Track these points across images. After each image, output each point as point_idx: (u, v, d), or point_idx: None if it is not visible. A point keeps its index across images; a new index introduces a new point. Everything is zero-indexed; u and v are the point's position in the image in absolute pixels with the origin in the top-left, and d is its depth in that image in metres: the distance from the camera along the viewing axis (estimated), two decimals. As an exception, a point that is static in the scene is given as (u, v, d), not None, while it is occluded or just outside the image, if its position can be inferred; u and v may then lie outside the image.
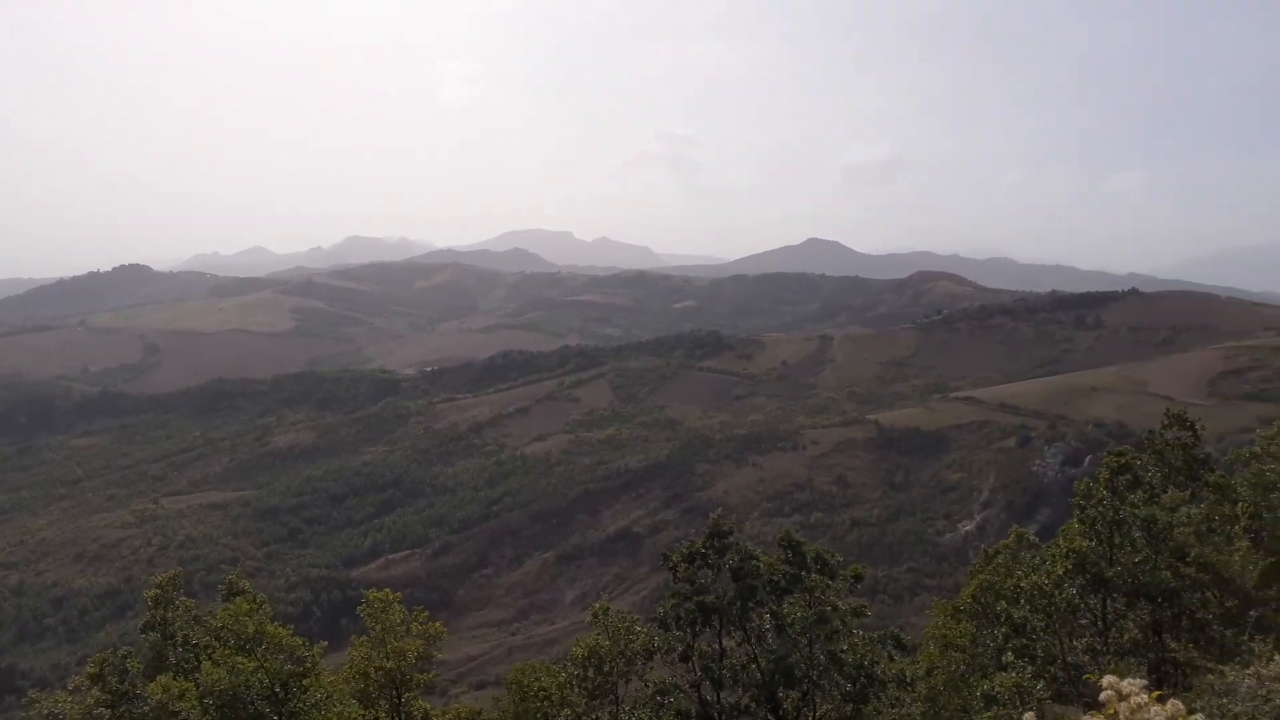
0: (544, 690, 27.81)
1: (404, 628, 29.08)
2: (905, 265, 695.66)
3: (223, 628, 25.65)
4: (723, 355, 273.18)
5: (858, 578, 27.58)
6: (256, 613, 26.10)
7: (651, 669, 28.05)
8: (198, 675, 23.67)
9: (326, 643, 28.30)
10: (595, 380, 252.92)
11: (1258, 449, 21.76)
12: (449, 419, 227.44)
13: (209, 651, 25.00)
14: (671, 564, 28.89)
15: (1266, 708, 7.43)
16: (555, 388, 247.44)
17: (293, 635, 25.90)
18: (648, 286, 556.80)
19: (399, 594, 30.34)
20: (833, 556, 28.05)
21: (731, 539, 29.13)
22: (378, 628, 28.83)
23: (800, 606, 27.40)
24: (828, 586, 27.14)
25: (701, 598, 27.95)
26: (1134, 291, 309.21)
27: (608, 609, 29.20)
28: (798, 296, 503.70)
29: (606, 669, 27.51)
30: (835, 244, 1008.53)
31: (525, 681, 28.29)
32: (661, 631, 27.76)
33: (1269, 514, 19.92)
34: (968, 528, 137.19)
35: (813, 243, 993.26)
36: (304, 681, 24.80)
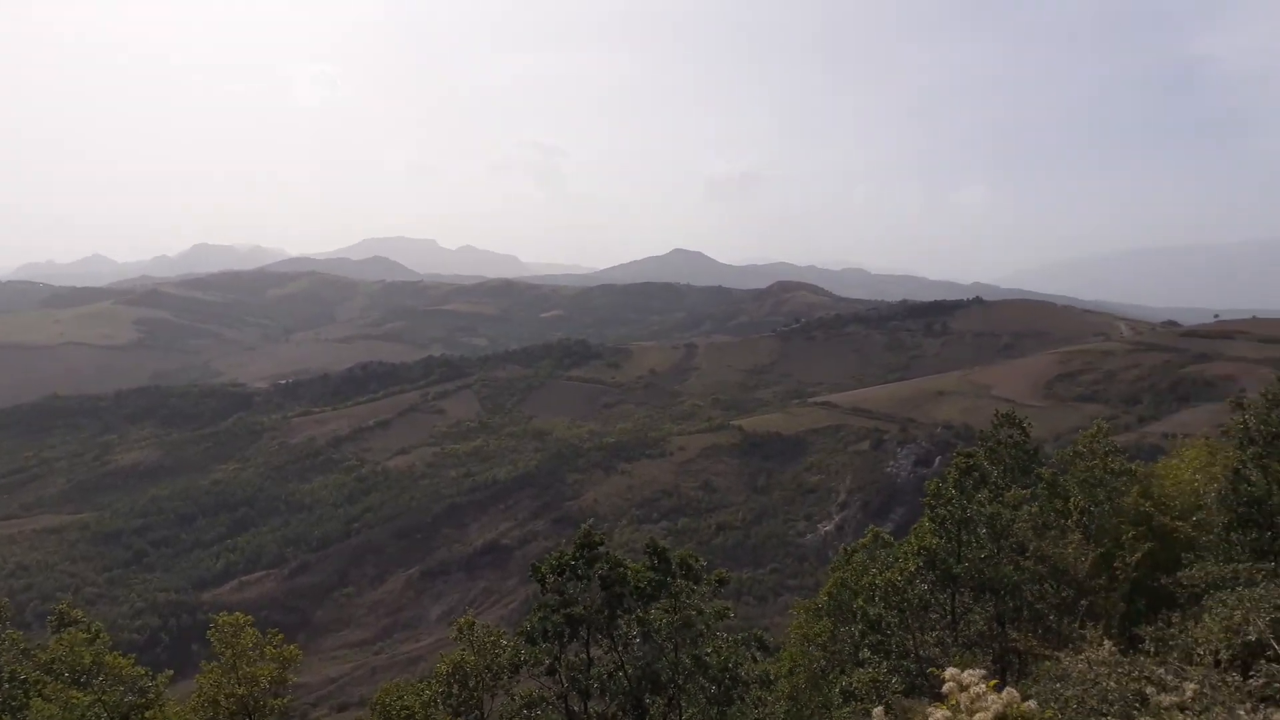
0: (407, 709, 26.99)
1: (257, 652, 27.65)
2: (765, 275, 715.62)
3: (55, 660, 23.83)
4: (591, 364, 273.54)
5: (721, 582, 27.96)
6: (94, 642, 24.36)
7: (518, 683, 27.64)
8: (26, 714, 21.89)
9: (173, 671, 26.68)
10: (461, 391, 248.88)
11: (1080, 448, 23.30)
12: (305, 433, 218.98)
13: (39, 687, 23.16)
14: (540, 576, 28.52)
15: (1094, 690, 7.84)
16: (419, 400, 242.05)
17: (135, 665, 24.29)
18: (515, 296, 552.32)
19: (251, 617, 28.85)
20: (697, 561, 28.33)
21: (601, 549, 29.00)
22: (228, 653, 27.31)
23: (666, 612, 27.54)
24: (693, 591, 27.36)
25: (570, 609, 27.72)
26: (978, 300, 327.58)
27: (473, 623, 28.63)
28: (664, 306, 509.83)
29: (472, 684, 26.96)
30: (699, 254, 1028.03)
31: (387, 701, 27.40)
32: (528, 645, 27.40)
33: (1095, 508, 21.34)
34: (827, 528, 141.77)
35: (678, 253, 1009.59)
36: (146, 714, 23.32)
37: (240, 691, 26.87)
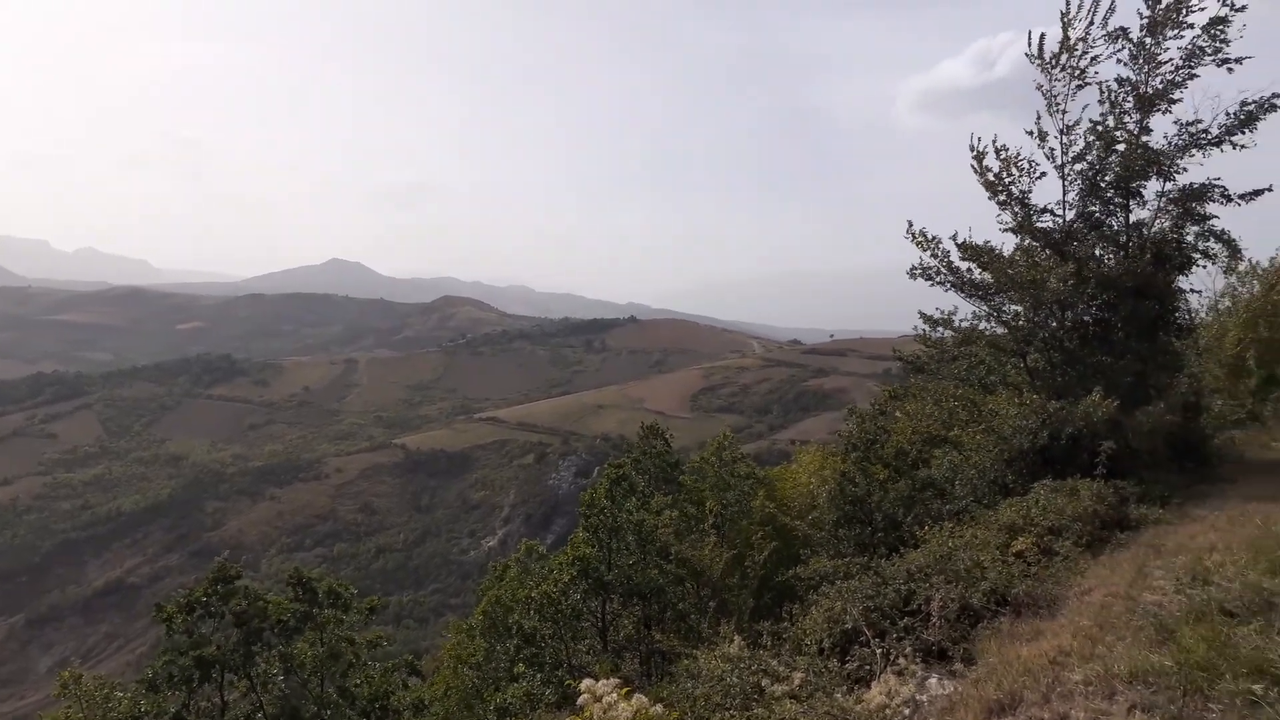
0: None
1: None
2: (430, 290, 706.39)
3: None
4: (236, 381, 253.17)
5: (373, 609, 26.81)
6: None
7: (139, 738, 24.53)
8: None
9: None
10: (79, 412, 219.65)
11: (709, 455, 25.20)
12: None
13: None
14: (166, 616, 25.61)
15: (719, 686, 8.15)
16: (24, 422, 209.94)
17: None
18: (146, 305, 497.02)
19: None
20: (347, 589, 27.01)
21: (240, 582, 26.73)
22: None
23: (312, 645, 26.05)
24: (341, 621, 26.08)
25: (200, 650, 25.21)
26: (632, 319, 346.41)
27: (80, 676, 24.99)
28: (321, 319, 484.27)
29: (79, 748, 23.49)
30: (359, 265, 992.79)
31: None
32: (150, 694, 24.44)
33: (725, 510, 23.09)
34: (491, 543, 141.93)
35: (336, 263, 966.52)
36: None
37: None
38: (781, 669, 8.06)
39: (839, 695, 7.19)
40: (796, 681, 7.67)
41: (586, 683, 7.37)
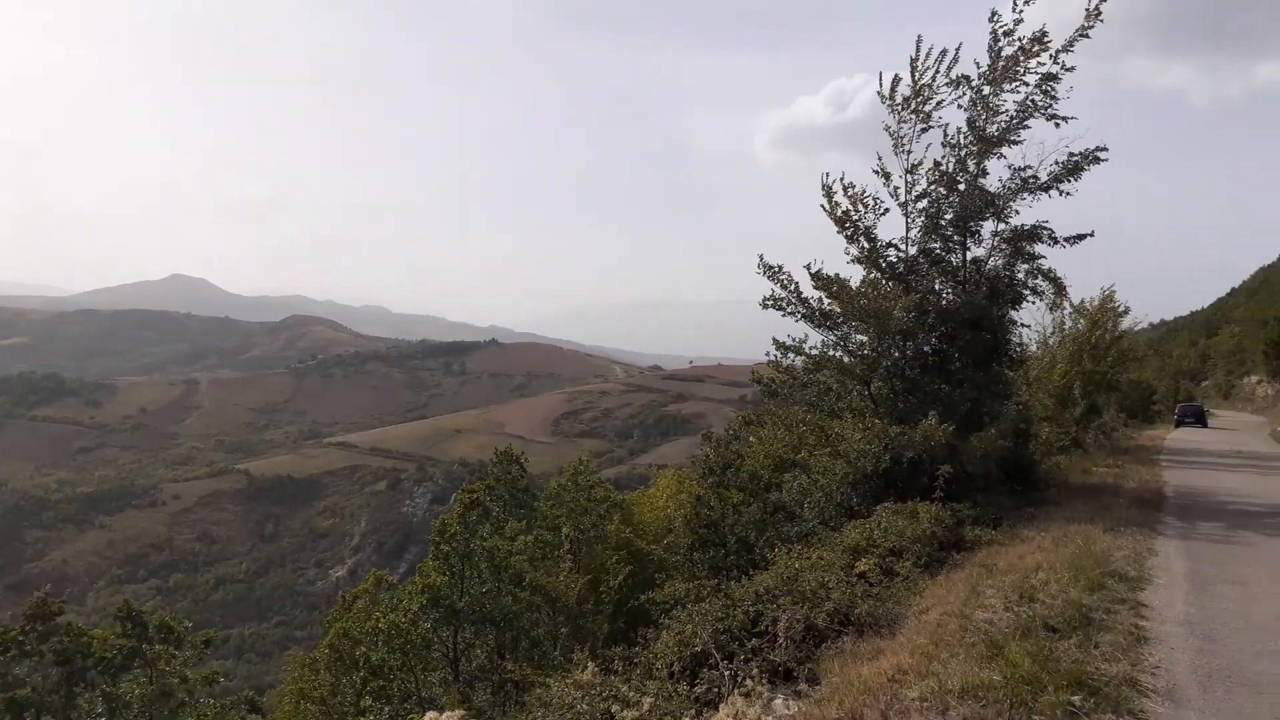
0: None
1: None
2: (280, 308, 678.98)
3: None
4: (64, 402, 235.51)
5: (208, 643, 25.38)
6: None
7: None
8: None
9: None
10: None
11: (566, 480, 25.09)
12: None
13: None
14: (-28, 659, 23.52)
15: (570, 713, 8.02)
16: None
17: None
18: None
19: None
20: (181, 623, 25.52)
21: (62, 618, 24.89)
22: None
23: (140, 683, 24.41)
24: (174, 657, 24.56)
25: (13, 693, 23.28)
26: (494, 342, 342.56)
27: None
28: (161, 337, 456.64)
29: None
30: (203, 281, 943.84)
31: None
32: (-51, 745, 22.30)
33: (583, 536, 22.97)
34: (340, 573, 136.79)
35: (177, 279, 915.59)
36: None
37: None
38: (632, 694, 7.99)
39: (687, 719, 7.18)
40: (646, 707, 7.62)
41: (430, 715, 7.13)
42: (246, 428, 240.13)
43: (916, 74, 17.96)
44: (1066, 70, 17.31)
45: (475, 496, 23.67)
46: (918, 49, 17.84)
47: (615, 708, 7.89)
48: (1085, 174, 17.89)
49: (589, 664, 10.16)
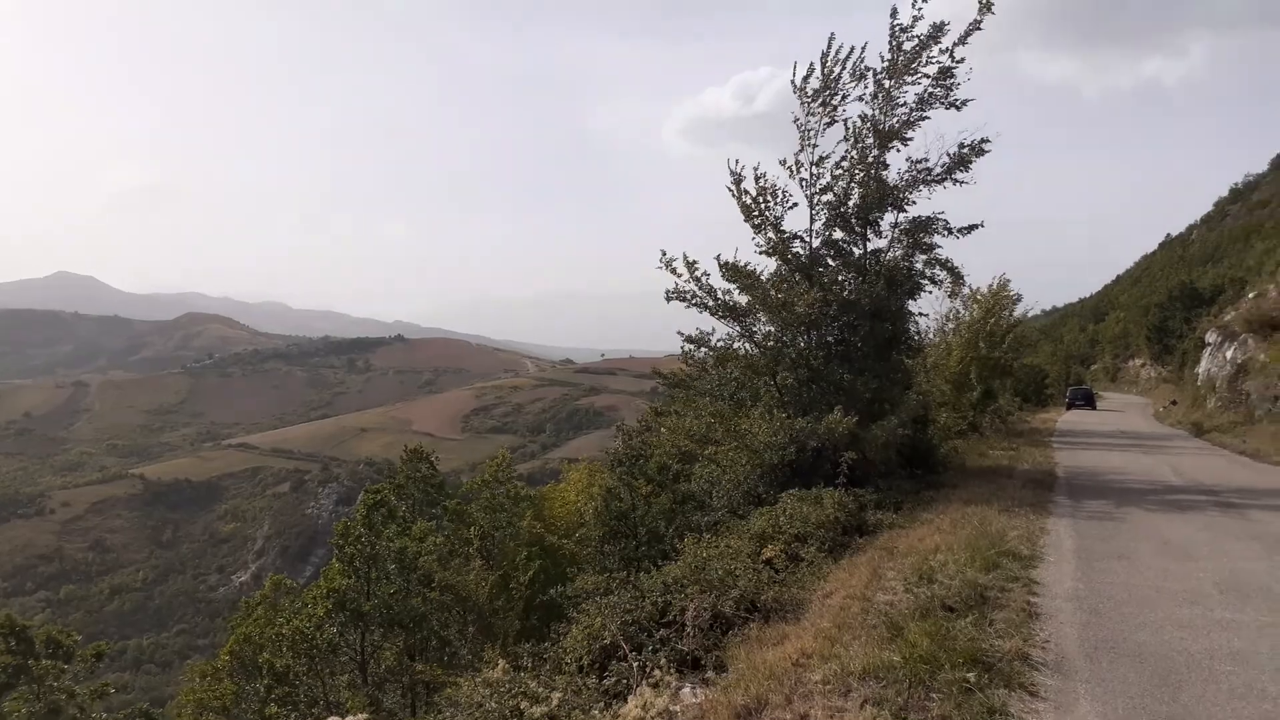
0: None
1: None
2: (173, 306, 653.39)
3: None
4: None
5: (99, 656, 24.33)
6: None
7: None
8: None
9: None
10: None
11: (487, 476, 24.77)
12: None
13: None
14: None
15: (479, 712, 7.93)
16: None
17: None
18: None
19: None
20: (70, 636, 24.44)
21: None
22: None
23: (27, 700, 23.27)
24: (63, 672, 23.48)
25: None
26: (400, 338, 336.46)
27: None
28: (47, 338, 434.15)
29: None
30: (91, 279, 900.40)
31: None
32: None
33: (496, 533, 22.75)
34: (242, 579, 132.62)
35: (63, 276, 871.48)
36: None
37: None
38: (541, 690, 7.92)
39: (596, 712, 7.15)
40: (555, 702, 7.56)
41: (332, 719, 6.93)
42: (141, 430, 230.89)
43: (826, 68, 18.21)
44: (958, 63, 17.75)
45: (380, 497, 23.22)
46: (829, 44, 18.10)
47: (524, 704, 7.81)
48: (980, 166, 18.39)
49: (499, 661, 10.06)
